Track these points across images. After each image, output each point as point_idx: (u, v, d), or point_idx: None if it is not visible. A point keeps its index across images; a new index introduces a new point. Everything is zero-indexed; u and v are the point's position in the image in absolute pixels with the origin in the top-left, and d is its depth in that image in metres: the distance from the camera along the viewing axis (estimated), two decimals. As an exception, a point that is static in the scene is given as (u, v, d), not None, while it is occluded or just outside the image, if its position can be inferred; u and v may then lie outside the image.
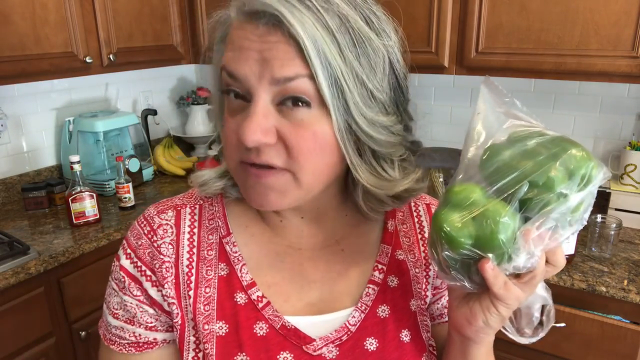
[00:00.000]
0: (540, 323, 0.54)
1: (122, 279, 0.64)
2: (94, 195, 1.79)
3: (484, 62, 1.73)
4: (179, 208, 0.66)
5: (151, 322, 0.64)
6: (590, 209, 0.48)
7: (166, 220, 0.65)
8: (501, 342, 0.71)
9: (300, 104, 0.51)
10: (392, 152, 0.57)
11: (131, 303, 0.64)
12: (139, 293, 0.63)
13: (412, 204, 0.72)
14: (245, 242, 0.65)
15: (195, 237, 0.65)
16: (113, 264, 0.66)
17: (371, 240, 0.68)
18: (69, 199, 1.75)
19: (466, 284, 0.51)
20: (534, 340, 0.54)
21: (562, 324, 1.46)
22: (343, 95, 0.51)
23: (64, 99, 2.21)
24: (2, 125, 1.98)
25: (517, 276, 0.50)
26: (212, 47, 0.58)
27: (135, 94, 2.51)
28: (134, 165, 2.17)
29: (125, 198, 1.94)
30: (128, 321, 0.64)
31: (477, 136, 0.52)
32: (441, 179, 1.89)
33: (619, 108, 1.87)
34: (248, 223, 0.66)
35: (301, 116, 0.51)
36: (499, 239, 0.47)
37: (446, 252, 0.49)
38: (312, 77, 0.49)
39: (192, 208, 0.67)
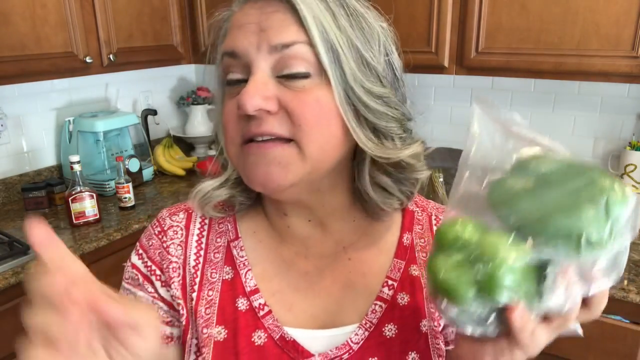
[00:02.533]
0: None
1: (136, 277, 0.64)
2: (94, 195, 1.79)
3: (484, 62, 1.73)
4: (190, 211, 0.66)
5: (167, 317, 0.63)
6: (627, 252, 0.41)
7: (177, 222, 0.65)
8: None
9: (298, 77, 0.51)
10: (391, 127, 0.55)
11: (146, 299, 0.63)
12: (152, 290, 0.63)
13: (433, 217, 0.67)
14: (254, 247, 0.64)
15: (203, 240, 0.64)
16: (125, 267, 0.66)
17: (383, 252, 0.64)
18: (69, 199, 1.75)
19: (489, 330, 0.44)
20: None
21: (562, 324, 1.46)
22: (339, 60, 0.51)
23: (64, 99, 2.21)
24: (2, 125, 1.98)
25: (545, 318, 0.43)
26: (215, 47, 0.58)
27: (135, 94, 2.51)
28: (134, 165, 2.16)
29: (125, 198, 1.94)
30: None
31: (475, 165, 0.45)
32: (441, 179, 1.89)
33: (619, 108, 1.87)
34: (256, 229, 0.65)
35: (302, 84, 0.51)
36: (502, 284, 0.40)
37: (445, 304, 0.43)
38: (310, 44, 0.50)
39: None
